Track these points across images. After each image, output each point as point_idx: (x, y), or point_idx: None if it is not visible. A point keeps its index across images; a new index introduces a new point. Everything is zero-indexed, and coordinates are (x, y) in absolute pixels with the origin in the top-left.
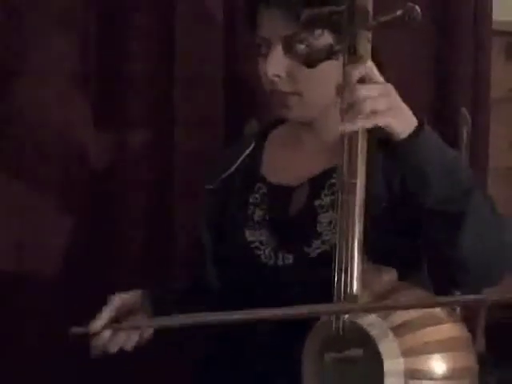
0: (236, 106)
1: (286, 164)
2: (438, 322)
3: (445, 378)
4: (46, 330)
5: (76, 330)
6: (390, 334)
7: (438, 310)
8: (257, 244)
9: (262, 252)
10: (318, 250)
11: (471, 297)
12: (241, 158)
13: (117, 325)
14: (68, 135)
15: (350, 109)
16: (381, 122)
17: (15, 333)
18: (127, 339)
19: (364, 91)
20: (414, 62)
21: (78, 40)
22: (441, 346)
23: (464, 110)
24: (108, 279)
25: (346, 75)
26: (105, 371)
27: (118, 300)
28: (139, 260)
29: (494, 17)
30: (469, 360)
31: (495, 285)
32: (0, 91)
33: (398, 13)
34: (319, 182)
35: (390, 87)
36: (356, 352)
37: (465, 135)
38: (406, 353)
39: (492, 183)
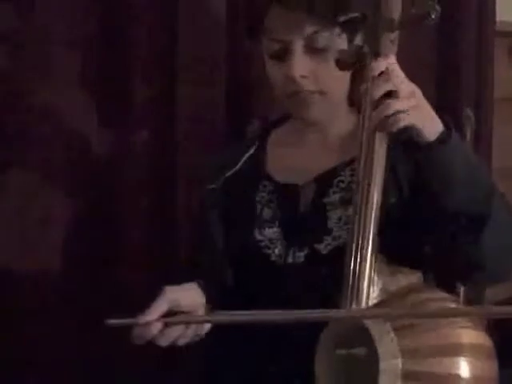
0: (238, 106)
1: (291, 162)
2: (442, 326)
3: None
4: (46, 329)
5: (112, 322)
6: (391, 334)
7: None
8: (266, 243)
9: (271, 251)
10: (330, 247)
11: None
12: (244, 158)
13: (170, 318)
14: (70, 133)
15: (375, 108)
16: (405, 122)
17: (15, 332)
18: (182, 334)
19: (387, 87)
20: (417, 62)
21: (81, 38)
22: (443, 351)
23: (468, 111)
24: (108, 279)
25: (369, 71)
26: (106, 371)
27: (170, 293)
28: (140, 259)
29: (497, 17)
30: (480, 369)
31: (506, 281)
32: (2, 89)
33: (420, 12)
34: (326, 180)
35: (413, 86)
36: (360, 350)
37: (468, 135)
38: (406, 354)
39: (495, 183)
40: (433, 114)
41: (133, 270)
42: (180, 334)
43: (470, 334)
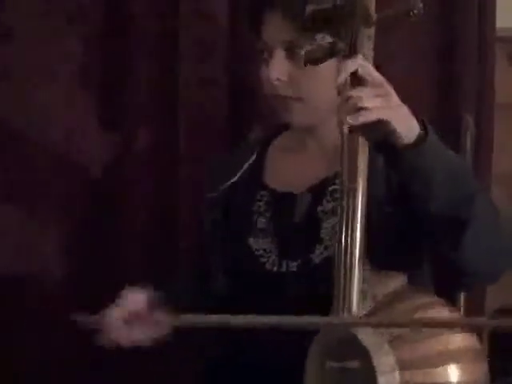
0: (241, 108)
1: (289, 171)
2: (436, 333)
3: None
4: (47, 330)
5: (79, 317)
6: (386, 347)
7: None
8: (261, 252)
9: (266, 259)
10: (322, 256)
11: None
12: (244, 167)
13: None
14: (71, 136)
15: (344, 105)
16: (380, 115)
17: (16, 334)
18: (141, 334)
19: (357, 91)
20: (417, 66)
21: (82, 41)
22: (439, 359)
23: (468, 116)
24: (109, 280)
25: (339, 70)
26: (107, 372)
27: (131, 295)
28: (141, 261)
29: (496, 23)
30: (470, 372)
31: (494, 283)
32: (3, 91)
33: (402, 8)
34: (321, 189)
35: (388, 88)
36: (353, 364)
37: (468, 141)
38: (402, 366)
39: (495, 189)
40: (410, 116)
41: (134, 272)
42: (141, 335)
43: (461, 339)
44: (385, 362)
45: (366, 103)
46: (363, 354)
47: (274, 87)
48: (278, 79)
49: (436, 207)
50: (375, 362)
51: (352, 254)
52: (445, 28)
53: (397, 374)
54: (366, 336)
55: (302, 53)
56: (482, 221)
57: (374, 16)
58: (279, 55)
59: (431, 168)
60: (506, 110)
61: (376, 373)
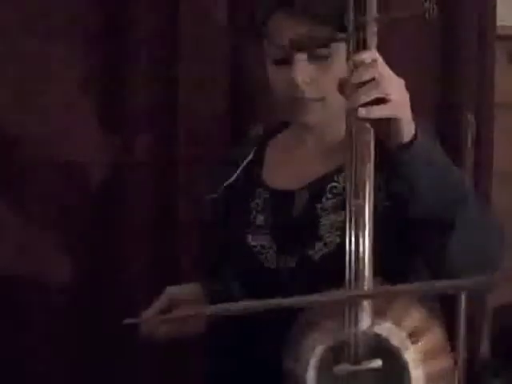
0: (240, 109)
1: (288, 168)
2: (434, 326)
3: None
4: (48, 330)
5: (129, 320)
6: (408, 342)
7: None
8: (259, 248)
9: (264, 256)
10: (321, 253)
11: None
12: (242, 165)
13: (162, 316)
14: (71, 136)
15: (355, 91)
16: (393, 112)
17: (16, 334)
18: (172, 329)
19: (372, 73)
20: (417, 66)
21: (82, 42)
22: (444, 348)
23: (469, 115)
24: (109, 280)
25: (351, 60)
26: (107, 371)
27: (168, 292)
28: (141, 261)
29: (497, 22)
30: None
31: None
32: (3, 92)
33: (417, 11)
34: (320, 186)
35: (402, 82)
36: (375, 363)
37: (469, 140)
38: (424, 358)
39: (496, 188)
40: (411, 118)
41: (133, 270)
42: (175, 329)
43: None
44: (414, 356)
45: (382, 91)
46: (388, 352)
47: (298, 89)
48: (305, 82)
49: (420, 211)
50: (406, 357)
51: (363, 255)
52: (445, 27)
53: (421, 366)
54: (389, 335)
55: (322, 53)
56: (469, 224)
57: (385, 16)
58: (301, 57)
59: (415, 175)
60: (505, 110)
61: (409, 367)
